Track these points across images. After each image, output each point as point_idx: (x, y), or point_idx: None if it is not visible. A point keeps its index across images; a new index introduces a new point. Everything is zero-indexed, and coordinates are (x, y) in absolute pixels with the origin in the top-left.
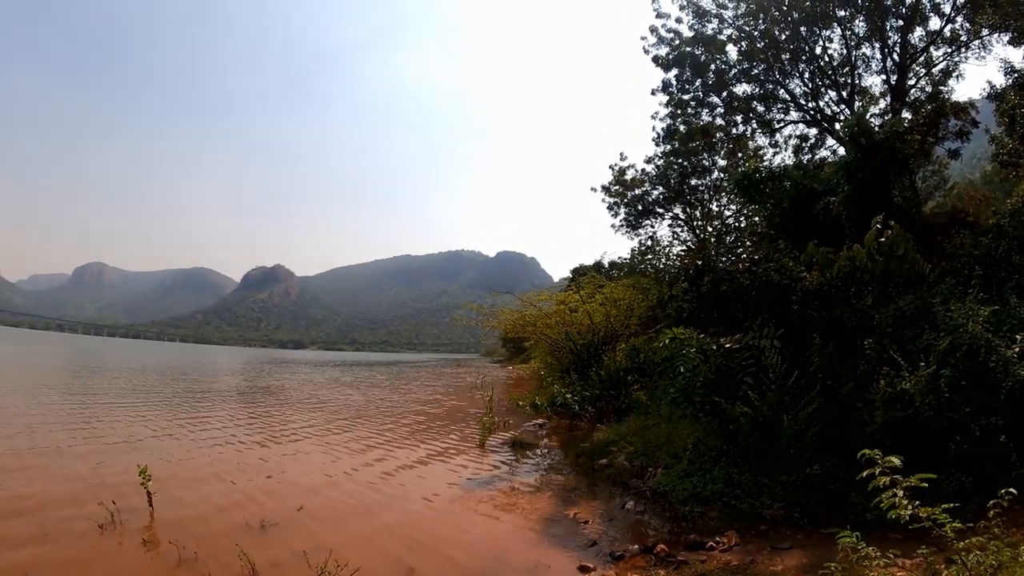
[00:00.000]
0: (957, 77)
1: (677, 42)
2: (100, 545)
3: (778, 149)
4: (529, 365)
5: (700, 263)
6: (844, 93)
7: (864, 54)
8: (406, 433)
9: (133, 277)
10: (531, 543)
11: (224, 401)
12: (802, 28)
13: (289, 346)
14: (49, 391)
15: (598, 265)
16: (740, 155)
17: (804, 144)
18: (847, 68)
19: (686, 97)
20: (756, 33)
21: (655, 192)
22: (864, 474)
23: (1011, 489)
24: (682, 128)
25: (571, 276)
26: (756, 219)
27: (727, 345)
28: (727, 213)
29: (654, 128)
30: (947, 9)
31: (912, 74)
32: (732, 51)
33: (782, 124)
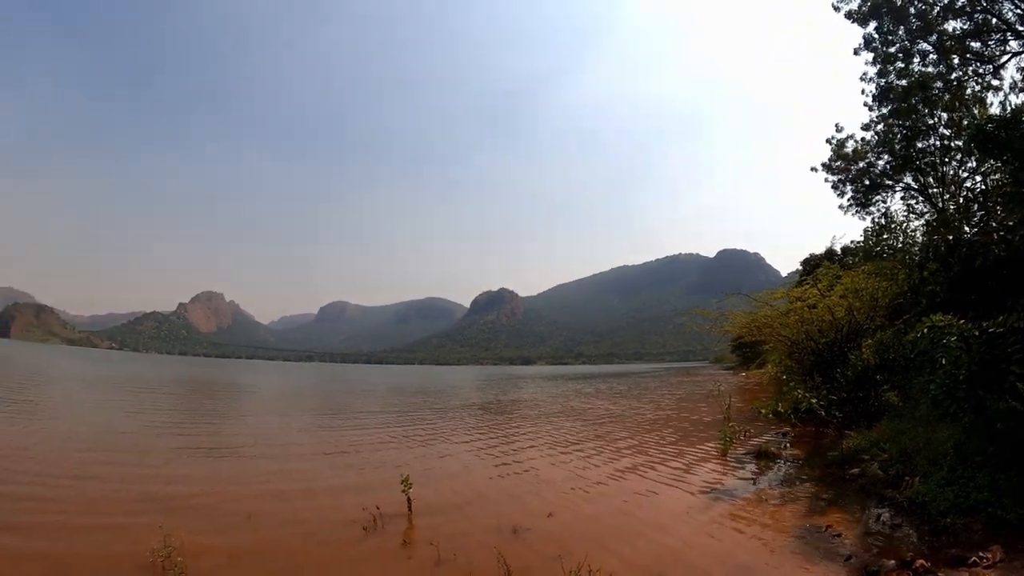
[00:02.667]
0: None
1: None
2: (364, 545)
3: (1006, 91)
4: (764, 370)
5: (950, 238)
6: None
7: None
8: (650, 442)
9: (372, 311)
10: (780, 555)
11: (471, 414)
12: None
13: (518, 362)
14: (307, 411)
15: (829, 252)
16: (965, 105)
17: None
18: None
19: (892, 50)
20: None
21: (880, 162)
22: None
23: None
24: (896, 83)
25: (802, 269)
26: (1001, 177)
27: (990, 330)
28: (963, 175)
29: (863, 91)
30: None
31: None
32: None
33: (1004, 58)
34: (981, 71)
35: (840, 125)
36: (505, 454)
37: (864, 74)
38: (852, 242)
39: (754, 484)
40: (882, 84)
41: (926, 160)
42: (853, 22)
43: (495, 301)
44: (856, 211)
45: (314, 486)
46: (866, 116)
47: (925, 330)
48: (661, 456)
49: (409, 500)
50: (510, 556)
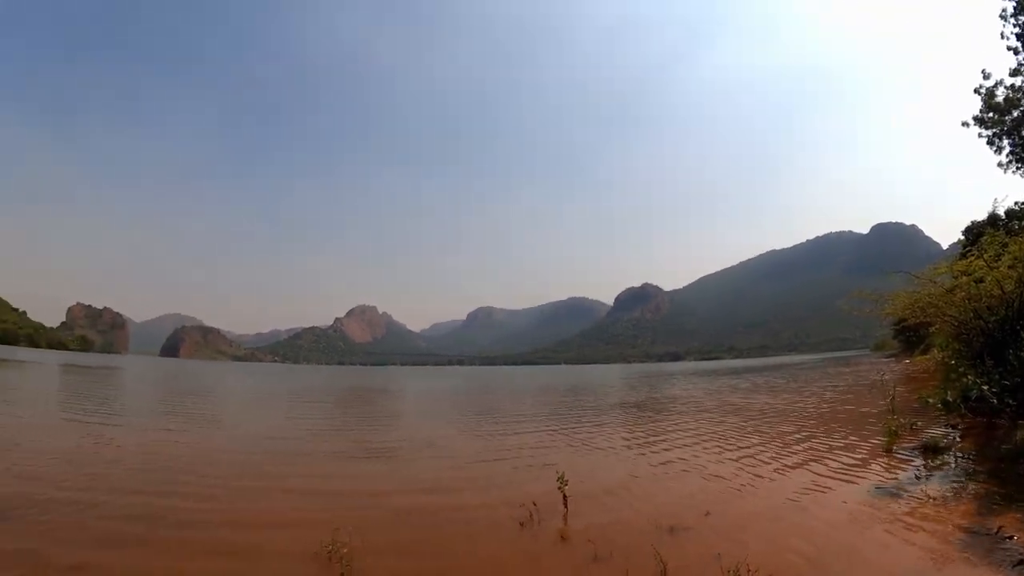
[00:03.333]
0: None
1: None
2: (521, 541)
3: None
4: (930, 356)
5: None
6: None
7: None
8: (812, 437)
9: (517, 314)
10: (947, 559)
11: (624, 412)
12: None
13: (666, 359)
14: (459, 411)
15: (993, 218)
16: None
17: None
18: None
19: None
20: None
21: None
22: None
23: None
24: None
25: (964, 239)
26: None
27: None
28: None
29: (1003, 35)
30: None
31: None
32: None
33: None
34: None
35: (987, 71)
36: (661, 451)
37: (1003, 11)
38: (1016, 204)
39: (920, 481)
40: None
41: None
42: None
43: (639, 297)
44: (1017, 168)
45: (470, 483)
46: (1011, 59)
47: None
48: (822, 452)
49: (565, 497)
50: (667, 554)
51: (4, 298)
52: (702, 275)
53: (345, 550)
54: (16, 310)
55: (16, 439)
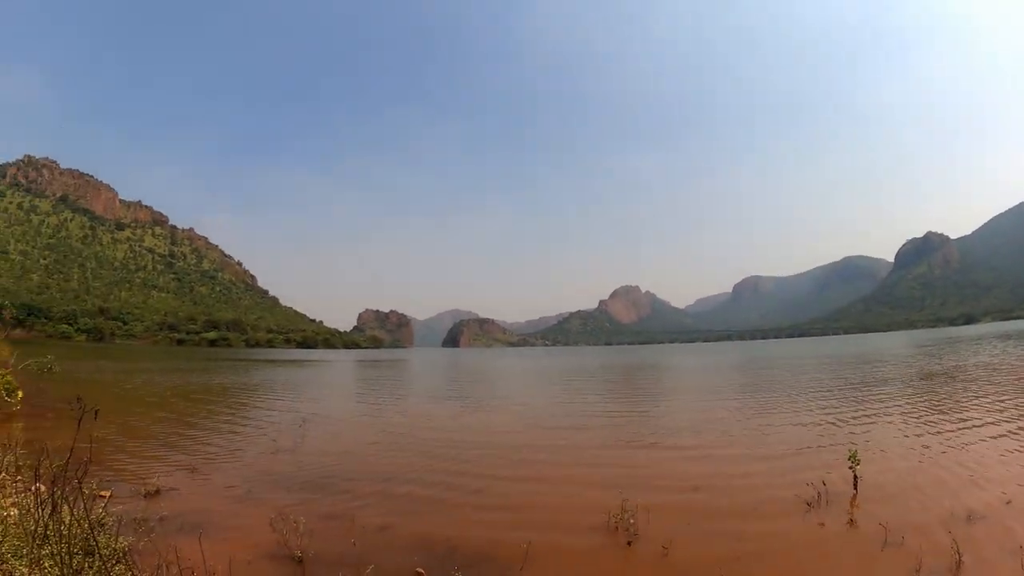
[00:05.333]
0: None
1: None
2: (805, 521)
3: None
4: None
5: None
6: None
7: None
8: None
9: (786, 282)
10: None
11: (913, 387)
12: None
13: (959, 322)
14: (734, 388)
15: None
16: None
17: None
18: None
19: None
20: None
21: None
22: None
23: None
24: None
25: None
26: None
27: None
28: None
29: None
30: None
31: None
32: None
33: None
34: None
35: None
36: (963, 431)
37: None
38: None
39: None
40: None
41: None
42: None
43: (922, 250)
44: None
45: (753, 461)
46: None
47: None
48: None
49: (856, 478)
50: (963, 544)
51: (302, 312)
52: (992, 215)
53: (632, 520)
54: (313, 320)
55: (328, 422)
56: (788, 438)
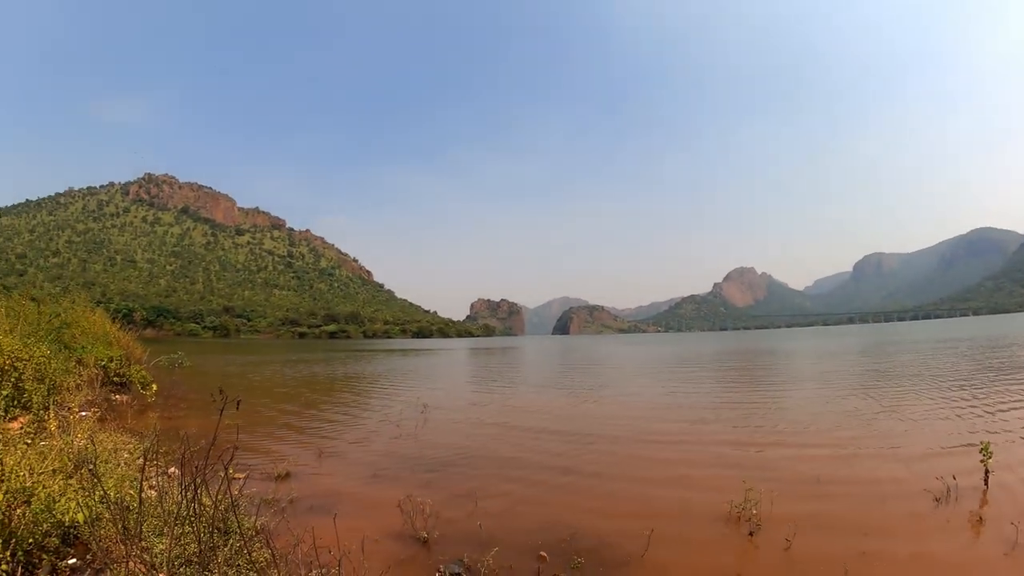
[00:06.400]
0: None
1: None
2: (931, 518)
3: None
4: None
5: None
6: None
7: None
8: None
9: (910, 259)
10: None
11: None
12: None
13: None
14: (853, 377)
15: None
16: None
17: None
18: None
19: None
20: None
21: None
22: None
23: None
24: None
25: None
26: None
27: None
28: None
29: None
30: None
31: None
32: None
33: None
34: None
35: None
36: None
37: None
38: None
39: None
40: None
41: None
42: None
43: None
44: None
45: (882, 452)
46: None
47: None
48: None
49: (987, 472)
50: None
51: (417, 303)
52: None
53: (755, 511)
54: (428, 311)
55: (446, 409)
56: (923, 430)
